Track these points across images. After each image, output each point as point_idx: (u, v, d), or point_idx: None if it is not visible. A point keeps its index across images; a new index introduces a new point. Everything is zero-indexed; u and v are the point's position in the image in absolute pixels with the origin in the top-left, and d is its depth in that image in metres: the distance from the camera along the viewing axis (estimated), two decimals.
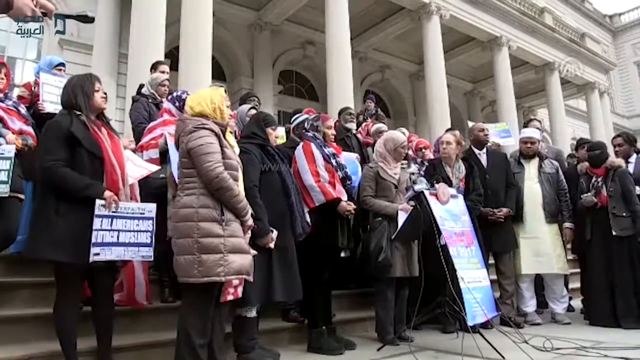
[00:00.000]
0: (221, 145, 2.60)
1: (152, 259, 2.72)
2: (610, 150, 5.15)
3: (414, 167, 4.72)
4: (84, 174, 2.54)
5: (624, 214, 4.51)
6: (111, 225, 2.56)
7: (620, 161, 4.79)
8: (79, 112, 2.64)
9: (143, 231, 2.67)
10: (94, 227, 2.48)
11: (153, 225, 2.71)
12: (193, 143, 2.52)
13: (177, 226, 2.51)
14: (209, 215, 2.47)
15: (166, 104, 3.85)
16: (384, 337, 3.68)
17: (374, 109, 7.38)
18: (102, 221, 2.52)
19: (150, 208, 2.74)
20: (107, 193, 2.55)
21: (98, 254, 2.49)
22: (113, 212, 2.56)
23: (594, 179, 4.74)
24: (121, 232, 2.59)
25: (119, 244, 2.58)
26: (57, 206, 2.50)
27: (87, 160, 2.57)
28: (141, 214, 2.69)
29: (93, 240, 2.47)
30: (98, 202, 2.50)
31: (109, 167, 2.63)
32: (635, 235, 4.48)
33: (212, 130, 2.58)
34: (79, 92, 2.67)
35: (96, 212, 2.50)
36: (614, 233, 4.47)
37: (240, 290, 2.69)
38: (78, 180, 2.51)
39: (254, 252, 2.72)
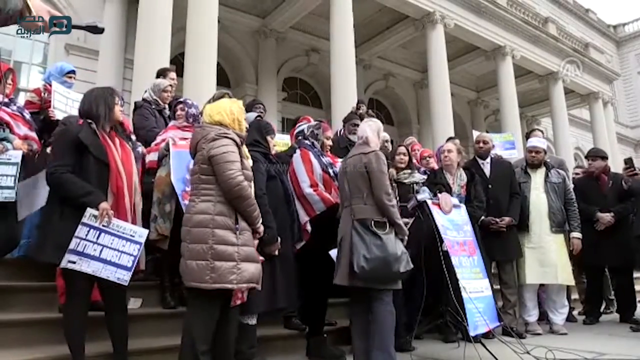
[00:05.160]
0: (240, 156, 2.64)
1: (127, 284, 2.61)
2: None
3: (418, 176, 4.72)
4: (90, 179, 2.57)
5: None
6: (97, 238, 2.53)
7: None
8: (90, 121, 2.68)
9: (127, 254, 2.60)
10: (76, 234, 2.47)
11: (139, 251, 2.64)
12: (216, 150, 2.55)
13: (191, 231, 2.52)
14: (224, 223, 2.50)
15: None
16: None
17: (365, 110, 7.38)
18: (88, 231, 2.51)
19: (142, 233, 2.68)
20: (103, 205, 2.53)
21: (74, 263, 2.47)
22: (104, 226, 2.53)
23: None
24: (105, 248, 2.54)
25: (100, 259, 2.53)
26: (61, 210, 2.54)
27: (94, 166, 2.60)
28: (131, 236, 2.63)
29: (71, 246, 2.46)
30: (89, 210, 2.50)
31: (114, 174, 2.65)
32: None
33: (234, 140, 2.62)
34: (101, 103, 2.74)
35: (85, 220, 2.50)
36: None
37: (245, 295, 2.70)
38: (79, 187, 2.53)
39: (261, 258, 2.75)
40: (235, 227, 2.52)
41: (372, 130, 3.41)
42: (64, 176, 2.53)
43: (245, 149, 2.90)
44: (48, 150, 3.56)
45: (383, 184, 3.18)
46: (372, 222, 3.12)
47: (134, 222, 2.76)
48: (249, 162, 2.82)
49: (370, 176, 3.20)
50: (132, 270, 2.61)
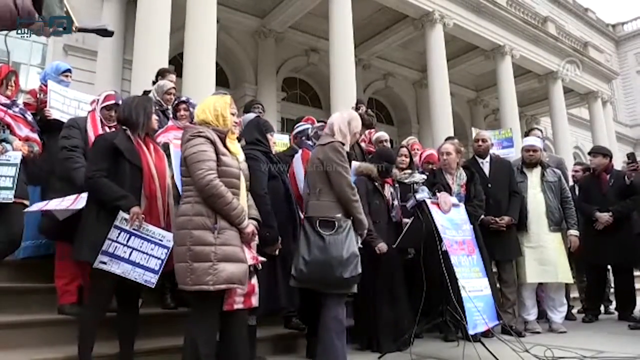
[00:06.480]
0: (218, 152, 2.58)
1: (153, 286, 2.69)
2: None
3: (418, 176, 4.72)
4: (124, 184, 2.66)
5: None
6: (127, 241, 2.62)
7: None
8: (125, 127, 2.79)
9: (155, 257, 2.68)
10: (108, 236, 2.58)
11: (166, 255, 2.70)
12: (188, 151, 2.55)
13: (175, 234, 2.55)
14: (202, 223, 2.46)
15: None
16: None
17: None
18: (119, 234, 2.61)
19: (170, 237, 2.71)
20: (134, 209, 2.61)
21: (105, 263, 2.57)
22: (134, 229, 2.62)
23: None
24: (134, 251, 2.64)
25: (129, 261, 2.62)
26: (98, 213, 2.64)
27: (128, 170, 2.70)
28: (159, 240, 2.70)
29: (104, 248, 2.56)
30: (122, 214, 2.59)
31: (147, 178, 2.73)
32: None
33: (207, 138, 2.57)
34: (141, 112, 2.84)
35: (117, 223, 2.60)
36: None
37: (254, 300, 2.64)
38: (113, 191, 2.62)
39: (261, 259, 2.72)
40: (214, 227, 2.47)
41: (340, 118, 3.15)
42: (100, 181, 2.63)
43: (235, 145, 2.79)
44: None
45: (343, 177, 2.95)
46: (318, 221, 2.92)
47: (167, 225, 2.81)
48: (238, 158, 2.73)
49: (328, 171, 2.97)
50: (159, 273, 2.69)
